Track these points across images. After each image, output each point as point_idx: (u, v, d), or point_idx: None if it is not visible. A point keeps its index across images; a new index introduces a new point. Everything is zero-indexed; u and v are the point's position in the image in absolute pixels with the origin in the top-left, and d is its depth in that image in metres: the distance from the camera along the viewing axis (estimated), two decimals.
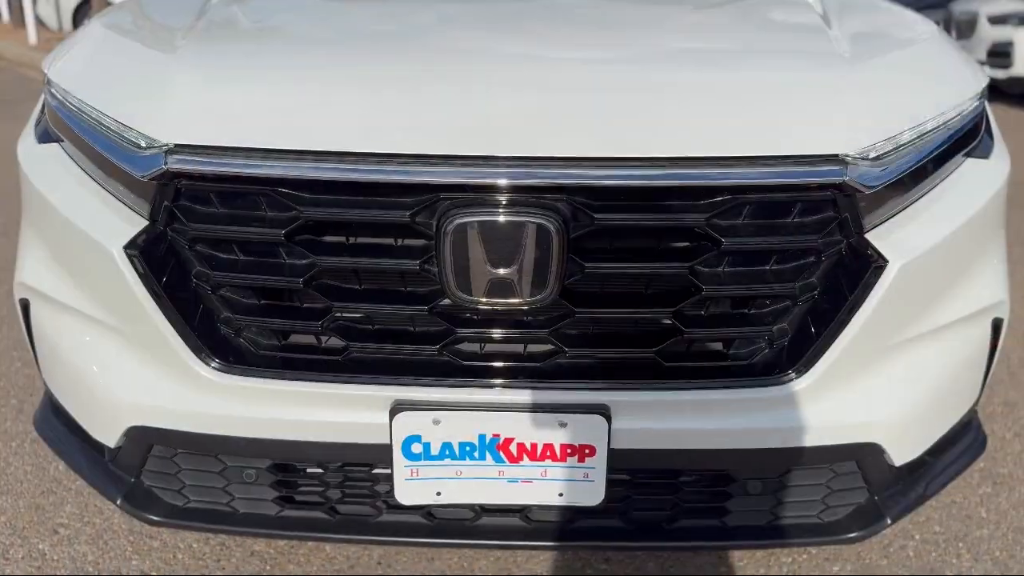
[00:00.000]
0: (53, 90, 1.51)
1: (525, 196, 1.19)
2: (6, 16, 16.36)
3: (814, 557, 1.86)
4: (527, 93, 1.29)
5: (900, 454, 1.39)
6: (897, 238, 1.28)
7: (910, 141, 1.31)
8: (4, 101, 7.90)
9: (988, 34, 8.86)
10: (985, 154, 1.49)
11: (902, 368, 1.37)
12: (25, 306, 1.54)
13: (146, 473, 1.44)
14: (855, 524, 1.43)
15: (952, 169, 1.42)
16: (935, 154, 1.35)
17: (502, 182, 1.19)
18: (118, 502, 1.44)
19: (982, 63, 8.99)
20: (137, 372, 1.36)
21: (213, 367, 1.30)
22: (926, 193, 1.36)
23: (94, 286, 1.37)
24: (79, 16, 13.47)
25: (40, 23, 13.26)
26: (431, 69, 1.37)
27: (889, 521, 1.42)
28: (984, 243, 1.45)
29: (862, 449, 1.35)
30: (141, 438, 1.38)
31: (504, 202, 1.19)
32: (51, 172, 1.45)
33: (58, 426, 1.60)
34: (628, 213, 1.21)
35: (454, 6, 1.80)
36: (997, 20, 8.85)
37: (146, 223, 1.28)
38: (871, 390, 1.34)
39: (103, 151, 1.32)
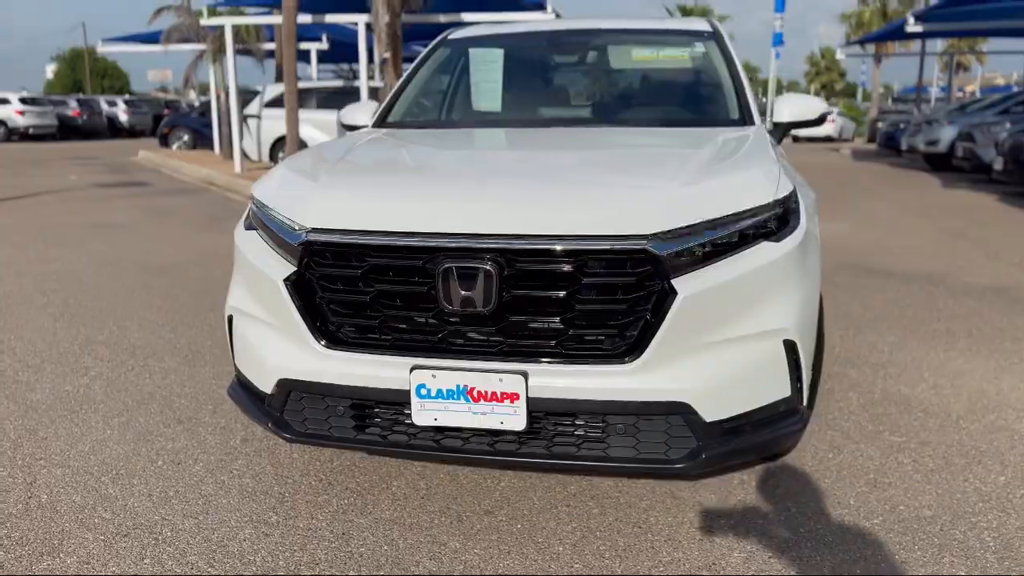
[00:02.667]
0: (254, 202, 2.77)
1: (479, 254, 2.27)
2: (217, 150, 19.48)
3: (699, 517, 2.72)
4: (485, 203, 2.39)
5: (708, 414, 2.31)
6: (690, 283, 2.25)
7: (701, 228, 2.29)
8: (215, 218, 9.90)
9: None
10: (779, 239, 2.43)
11: (706, 359, 2.30)
12: (230, 319, 2.77)
13: (286, 411, 2.57)
14: (686, 459, 2.34)
15: (749, 246, 2.37)
16: (724, 236, 2.32)
17: (469, 247, 2.28)
18: (268, 426, 2.58)
19: None
20: (284, 349, 2.52)
21: (323, 345, 2.43)
22: (722, 259, 2.32)
23: (267, 303, 2.56)
24: (275, 150, 16.00)
25: (244, 155, 15.84)
26: (437, 192, 2.52)
27: (704, 456, 2.33)
28: (766, 291, 2.37)
29: (679, 406, 2.29)
30: (284, 386, 2.52)
31: (469, 257, 2.27)
32: (251, 245, 2.68)
33: (240, 391, 2.78)
34: (534, 264, 2.27)
35: (464, 153, 3.01)
36: None
37: (294, 268, 2.46)
38: (683, 370, 2.29)
39: (276, 231, 2.54)
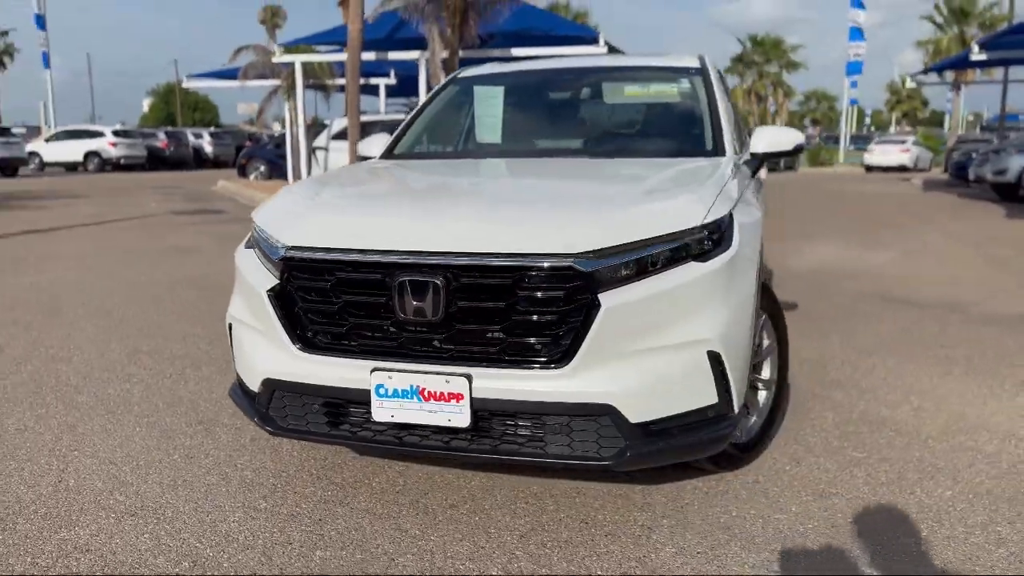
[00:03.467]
0: (254, 224, 3.15)
1: (429, 268, 2.58)
2: (291, 179, 20.36)
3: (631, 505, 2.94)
4: (433, 224, 2.70)
5: (633, 415, 2.54)
6: (614, 296, 2.51)
7: (627, 248, 2.54)
8: None
9: None
10: (706, 259, 2.67)
11: (631, 366, 2.55)
12: (230, 326, 3.14)
13: (270, 408, 2.91)
14: (614, 457, 2.58)
15: (675, 264, 2.62)
16: (650, 255, 2.57)
17: (419, 263, 2.59)
18: (255, 420, 2.93)
19: None
20: (269, 352, 2.86)
21: (298, 348, 2.77)
22: (649, 275, 2.57)
23: (256, 312, 2.91)
24: None
25: None
26: (395, 215, 2.84)
27: (629, 454, 2.56)
28: (691, 306, 2.60)
29: (605, 408, 2.53)
30: (268, 385, 2.86)
31: (420, 271, 2.58)
32: (247, 261, 3.05)
33: (238, 391, 3.14)
34: (475, 278, 2.56)
35: (433, 181, 3.35)
36: None
37: (277, 281, 2.81)
38: (609, 376, 2.53)
39: (264, 248, 2.90)
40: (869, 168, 34.56)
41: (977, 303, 6.62)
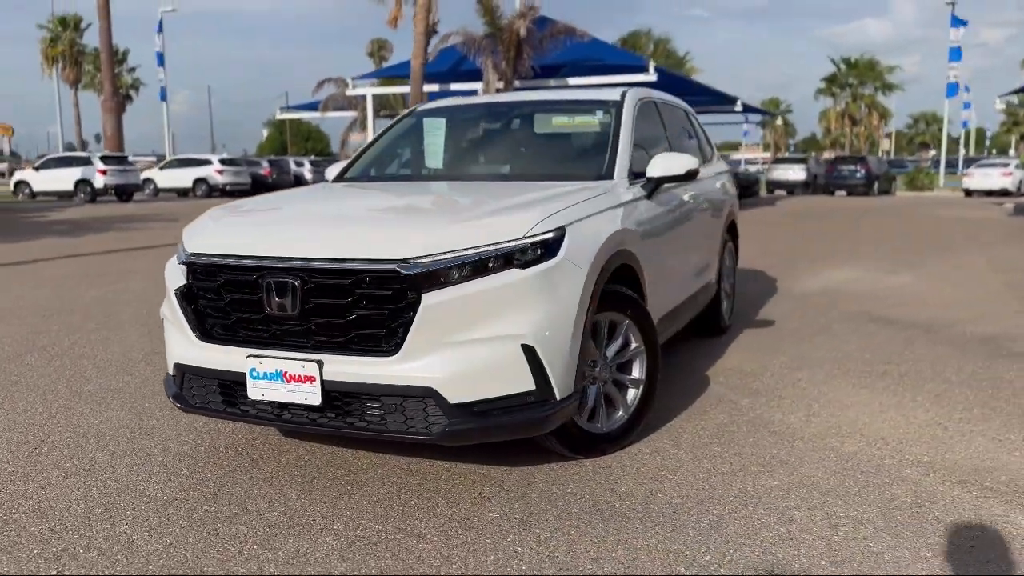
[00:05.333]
0: (180, 237, 3.79)
1: (287, 271, 3.13)
2: None
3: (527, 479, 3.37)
4: (292, 235, 3.27)
5: (452, 397, 3.01)
6: (436, 296, 2.99)
7: (448, 255, 3.02)
8: None
9: None
10: (525, 266, 3.12)
11: (451, 354, 3.02)
12: (161, 320, 3.78)
13: (183, 388, 3.52)
14: (439, 432, 3.05)
15: (497, 270, 3.08)
16: (471, 261, 3.04)
17: (279, 267, 3.15)
18: (170, 398, 3.55)
19: None
20: (179, 342, 3.48)
21: (198, 337, 3.37)
22: (471, 279, 3.04)
23: (172, 307, 3.53)
24: None
25: None
26: (267, 228, 3.43)
27: (447, 429, 3.03)
28: (509, 306, 3.05)
29: (427, 390, 3.01)
30: (179, 369, 3.48)
31: (281, 274, 3.14)
32: (171, 268, 3.67)
33: (169, 378, 3.77)
34: (325, 280, 3.09)
35: (325, 201, 3.94)
36: None
37: (185, 281, 3.43)
38: (432, 362, 3.02)
39: (178, 255, 3.53)
40: (968, 192, 33.32)
41: (955, 324, 6.67)
